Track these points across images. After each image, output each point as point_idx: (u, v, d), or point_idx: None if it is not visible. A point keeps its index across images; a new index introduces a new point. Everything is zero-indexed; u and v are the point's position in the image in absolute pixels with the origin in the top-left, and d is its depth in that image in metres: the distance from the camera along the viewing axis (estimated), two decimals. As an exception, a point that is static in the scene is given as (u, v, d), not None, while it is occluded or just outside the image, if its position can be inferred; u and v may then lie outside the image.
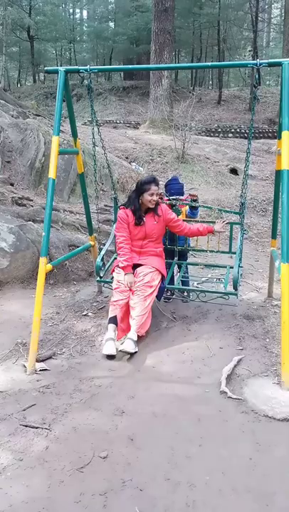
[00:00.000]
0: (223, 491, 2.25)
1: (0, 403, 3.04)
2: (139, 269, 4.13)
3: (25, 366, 3.53)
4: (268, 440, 2.64)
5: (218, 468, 2.41)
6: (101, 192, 8.69)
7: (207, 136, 16.79)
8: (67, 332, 4.21)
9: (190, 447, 2.58)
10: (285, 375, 3.17)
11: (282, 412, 2.88)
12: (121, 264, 4.11)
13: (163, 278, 4.25)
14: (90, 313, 4.55)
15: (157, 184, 4.21)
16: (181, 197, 4.91)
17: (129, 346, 3.70)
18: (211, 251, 5.01)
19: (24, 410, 2.94)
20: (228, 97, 23.83)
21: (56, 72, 3.95)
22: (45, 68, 4.25)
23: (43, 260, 3.67)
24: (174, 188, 4.98)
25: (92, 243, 4.84)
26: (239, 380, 3.30)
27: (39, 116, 12.85)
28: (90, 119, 18.30)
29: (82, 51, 30.82)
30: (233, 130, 17.76)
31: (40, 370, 3.51)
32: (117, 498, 2.19)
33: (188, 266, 5.18)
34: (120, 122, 17.60)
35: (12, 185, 7.54)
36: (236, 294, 4.11)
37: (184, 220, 4.54)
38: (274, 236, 4.69)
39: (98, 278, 4.51)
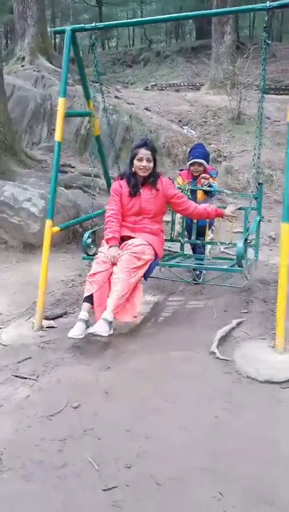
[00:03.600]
0: (177, 446, 2.29)
1: (1, 355, 3.27)
2: (129, 241, 3.59)
3: (34, 323, 3.74)
4: (241, 401, 2.63)
5: (182, 424, 2.45)
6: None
7: (276, 94, 15.90)
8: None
9: (161, 403, 2.63)
10: (278, 338, 3.09)
11: (266, 374, 2.83)
12: (106, 237, 3.65)
13: (157, 258, 3.70)
14: (110, 276, 4.66)
15: (150, 148, 3.67)
16: (206, 175, 4.40)
17: (101, 328, 3.19)
18: (222, 243, 4.46)
19: (19, 362, 3.13)
20: (308, 51, 22.23)
21: (63, 31, 3.96)
22: (53, 29, 4.32)
23: (48, 223, 3.81)
24: (197, 154, 4.54)
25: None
26: (234, 343, 3.27)
27: (97, 82, 12.97)
28: (153, 83, 18.08)
29: (152, 13, 30.11)
30: (307, 87, 16.65)
31: (47, 327, 3.70)
32: (73, 445, 2.31)
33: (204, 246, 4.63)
34: (184, 85, 17.15)
35: (57, 152, 7.76)
36: (241, 271, 3.58)
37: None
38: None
39: (85, 255, 4.02)
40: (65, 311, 4.00)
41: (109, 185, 4.88)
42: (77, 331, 3.29)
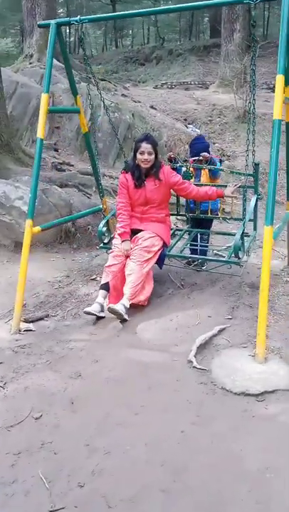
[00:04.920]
0: (136, 462, 2.16)
1: (-28, 359, 3.17)
2: (139, 234, 3.95)
3: (11, 326, 3.63)
4: (212, 414, 2.48)
5: (144, 438, 2.31)
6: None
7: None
8: (69, 295, 4.25)
9: (126, 415, 2.49)
10: (259, 347, 2.93)
11: (242, 386, 2.68)
12: (118, 231, 3.99)
13: (165, 245, 4.05)
14: (98, 278, 4.53)
15: (151, 142, 3.91)
16: (205, 154, 4.60)
17: (119, 307, 3.55)
18: (224, 218, 4.64)
19: (-11, 367, 3.03)
20: None
21: (48, 25, 3.86)
22: (38, 23, 4.23)
23: (28, 223, 3.70)
24: (197, 147, 4.69)
25: (103, 206, 4.77)
26: (214, 351, 3.12)
27: (104, 80, 12.86)
28: (162, 82, 17.89)
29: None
30: None
31: (25, 331, 3.58)
32: (28, 460, 2.19)
33: (209, 235, 4.85)
34: (194, 83, 16.95)
35: (57, 150, 7.67)
36: (238, 263, 3.80)
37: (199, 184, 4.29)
38: (290, 197, 4.28)
39: (101, 244, 4.35)
40: (46, 313, 3.89)
41: (98, 182, 4.76)
42: (94, 308, 3.67)
